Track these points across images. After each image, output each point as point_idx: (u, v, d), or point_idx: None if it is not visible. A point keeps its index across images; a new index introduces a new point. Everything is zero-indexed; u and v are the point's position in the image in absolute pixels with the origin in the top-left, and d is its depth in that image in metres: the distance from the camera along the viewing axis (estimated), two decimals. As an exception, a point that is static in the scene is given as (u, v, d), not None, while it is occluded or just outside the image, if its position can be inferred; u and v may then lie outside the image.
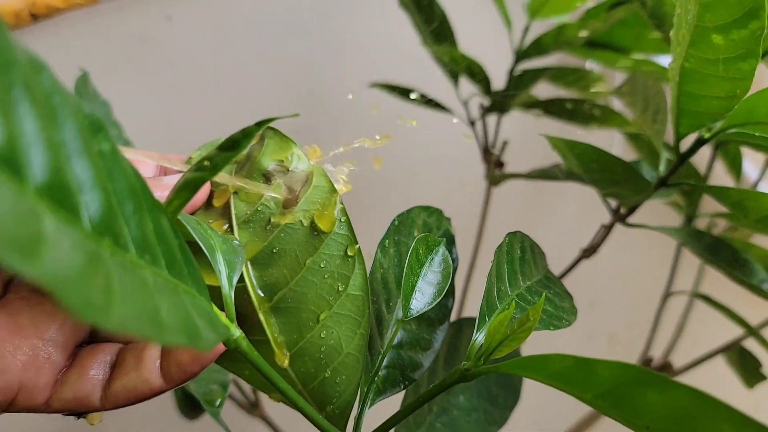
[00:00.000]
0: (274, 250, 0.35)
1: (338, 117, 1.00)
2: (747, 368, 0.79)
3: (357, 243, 0.36)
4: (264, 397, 0.73)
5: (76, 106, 0.19)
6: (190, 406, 0.69)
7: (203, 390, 0.44)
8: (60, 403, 0.31)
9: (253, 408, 0.68)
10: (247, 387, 0.72)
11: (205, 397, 0.43)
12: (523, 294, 0.40)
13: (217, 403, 0.43)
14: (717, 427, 0.24)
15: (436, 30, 0.79)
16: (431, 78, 0.85)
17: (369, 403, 0.37)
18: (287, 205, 0.36)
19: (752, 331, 0.72)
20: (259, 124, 0.26)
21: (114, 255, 0.19)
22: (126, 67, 0.87)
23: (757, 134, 0.45)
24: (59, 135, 0.17)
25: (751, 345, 0.78)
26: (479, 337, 0.34)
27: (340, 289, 0.35)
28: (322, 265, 0.35)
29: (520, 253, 0.44)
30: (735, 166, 0.79)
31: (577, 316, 0.42)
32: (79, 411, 0.32)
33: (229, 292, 0.30)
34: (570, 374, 0.27)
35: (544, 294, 0.35)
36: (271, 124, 0.36)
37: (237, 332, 0.29)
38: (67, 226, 0.17)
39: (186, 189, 0.27)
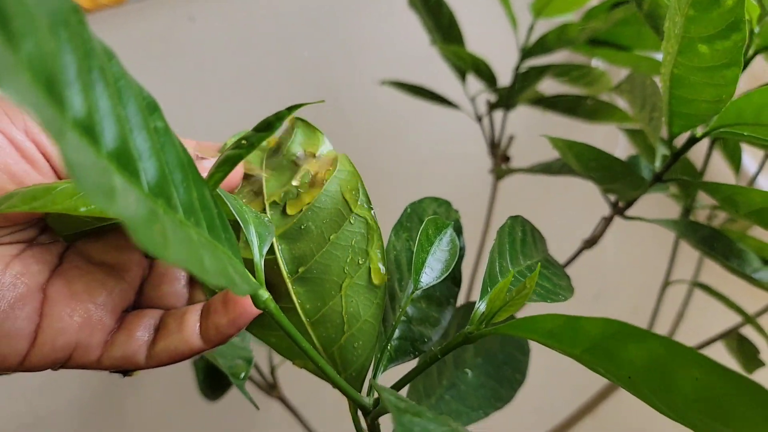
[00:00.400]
0: (302, 227, 0.39)
1: (351, 113, 1.03)
2: (746, 355, 0.81)
3: (376, 221, 0.39)
4: (281, 379, 0.77)
5: (137, 88, 0.23)
6: (211, 388, 0.72)
7: (229, 364, 0.48)
8: (110, 361, 0.35)
9: (271, 389, 0.71)
10: (266, 369, 0.76)
11: (231, 370, 0.47)
12: (523, 271, 0.44)
13: (242, 375, 0.47)
14: (688, 373, 0.26)
15: (444, 29, 0.82)
16: (439, 75, 0.88)
17: (382, 369, 0.40)
18: (314, 186, 0.39)
19: (749, 319, 0.74)
20: (290, 109, 0.30)
21: (166, 213, 0.23)
22: (150, 65, 0.90)
23: (745, 133, 0.47)
24: (124, 111, 0.21)
25: (750, 333, 0.81)
26: (481, 305, 0.37)
27: (360, 262, 0.39)
28: (344, 241, 0.39)
29: (522, 235, 0.47)
30: (734, 160, 0.82)
31: (573, 293, 0.45)
32: (126, 369, 0.35)
33: (259, 261, 0.33)
34: (561, 332, 0.30)
35: (539, 265, 0.39)
36: (298, 115, 0.40)
37: (265, 294, 0.32)
38: (130, 185, 0.21)
39: (226, 164, 0.31)
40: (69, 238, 0.36)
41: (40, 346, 0.33)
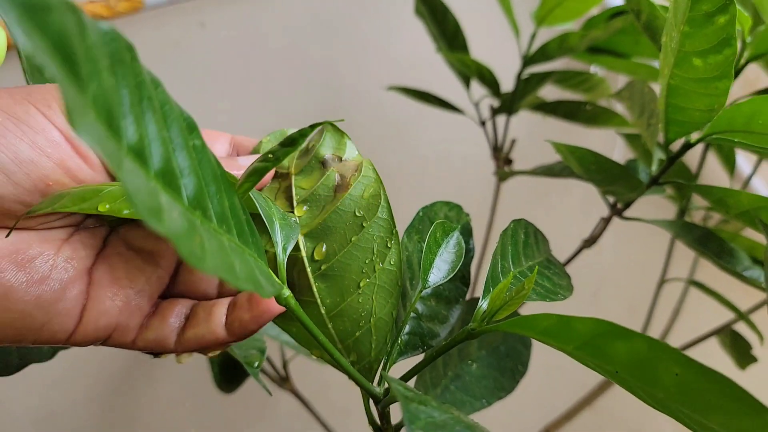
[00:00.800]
0: (327, 227, 0.41)
1: (359, 117, 1.05)
2: (739, 350, 0.83)
3: (395, 227, 0.42)
4: (293, 372, 0.79)
5: (178, 111, 0.25)
6: (226, 381, 0.75)
7: (244, 354, 0.50)
8: (143, 342, 0.37)
9: (283, 382, 0.74)
10: (278, 362, 0.78)
11: (246, 359, 0.49)
12: (525, 272, 0.46)
13: (256, 364, 0.49)
14: (669, 369, 0.28)
15: (450, 37, 0.84)
16: (444, 81, 0.91)
17: (392, 361, 0.42)
18: (339, 189, 0.42)
19: (742, 316, 0.77)
20: (312, 127, 0.33)
21: (203, 224, 0.25)
22: (163, 69, 0.93)
23: (736, 140, 0.50)
24: (169, 134, 0.24)
25: (743, 329, 0.83)
26: (484, 304, 0.40)
27: (378, 264, 0.41)
28: (364, 243, 0.41)
29: (524, 237, 0.49)
30: (729, 163, 0.84)
31: (572, 292, 0.47)
32: (157, 351, 0.38)
33: (282, 259, 0.36)
34: (554, 330, 0.32)
35: (536, 268, 0.41)
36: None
37: (287, 292, 0.35)
38: (173, 201, 0.23)
39: (254, 175, 0.33)
40: (113, 223, 0.39)
41: (85, 325, 0.36)
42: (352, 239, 0.41)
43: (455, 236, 0.46)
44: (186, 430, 1.01)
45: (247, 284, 0.26)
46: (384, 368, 0.42)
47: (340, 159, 0.43)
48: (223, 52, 0.98)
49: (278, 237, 0.36)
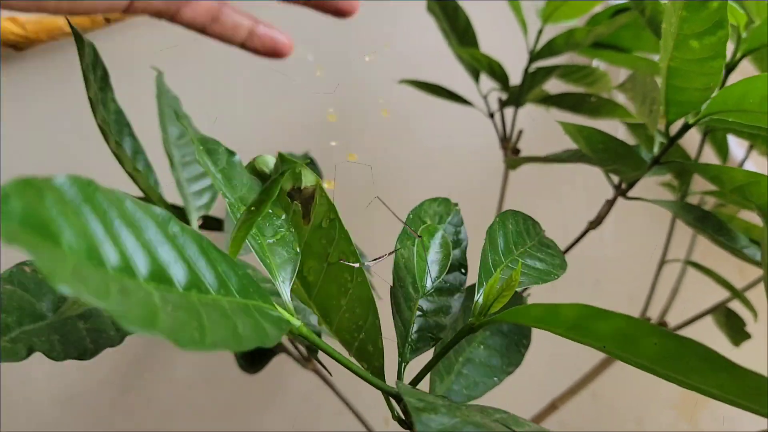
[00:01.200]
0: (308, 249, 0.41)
1: (370, 112, 1.05)
2: (733, 328, 0.83)
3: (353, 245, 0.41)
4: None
5: (148, 210, 0.27)
6: (250, 361, 0.77)
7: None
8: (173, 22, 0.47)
9: (306, 362, 0.76)
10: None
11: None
12: (516, 259, 0.47)
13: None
14: (648, 339, 0.31)
15: (460, 33, 0.84)
16: (453, 75, 0.90)
17: (406, 361, 0.44)
18: (305, 222, 0.41)
19: (736, 293, 0.77)
20: (291, 166, 0.34)
21: (200, 299, 0.27)
22: (168, 72, 0.92)
23: (730, 119, 0.52)
24: (146, 236, 0.25)
25: (738, 308, 0.83)
26: (479, 299, 0.41)
27: (350, 279, 0.41)
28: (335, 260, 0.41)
29: (513, 227, 0.50)
30: (722, 150, 0.85)
31: (566, 269, 0.49)
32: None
33: (286, 297, 0.37)
34: (545, 317, 0.35)
35: (519, 263, 0.42)
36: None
37: (297, 323, 0.36)
38: (167, 293, 0.25)
39: (243, 228, 0.35)
40: None
41: (135, 7, 0.44)
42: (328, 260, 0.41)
43: (439, 237, 0.48)
44: (203, 412, 1.02)
45: (251, 343, 0.27)
46: (399, 368, 0.44)
47: (300, 189, 0.42)
48: (230, 49, 0.98)
49: (280, 279, 0.38)
